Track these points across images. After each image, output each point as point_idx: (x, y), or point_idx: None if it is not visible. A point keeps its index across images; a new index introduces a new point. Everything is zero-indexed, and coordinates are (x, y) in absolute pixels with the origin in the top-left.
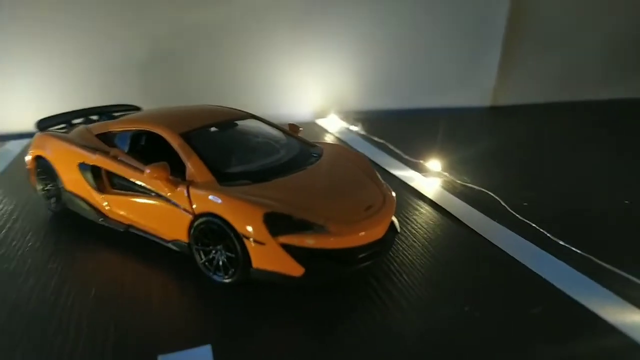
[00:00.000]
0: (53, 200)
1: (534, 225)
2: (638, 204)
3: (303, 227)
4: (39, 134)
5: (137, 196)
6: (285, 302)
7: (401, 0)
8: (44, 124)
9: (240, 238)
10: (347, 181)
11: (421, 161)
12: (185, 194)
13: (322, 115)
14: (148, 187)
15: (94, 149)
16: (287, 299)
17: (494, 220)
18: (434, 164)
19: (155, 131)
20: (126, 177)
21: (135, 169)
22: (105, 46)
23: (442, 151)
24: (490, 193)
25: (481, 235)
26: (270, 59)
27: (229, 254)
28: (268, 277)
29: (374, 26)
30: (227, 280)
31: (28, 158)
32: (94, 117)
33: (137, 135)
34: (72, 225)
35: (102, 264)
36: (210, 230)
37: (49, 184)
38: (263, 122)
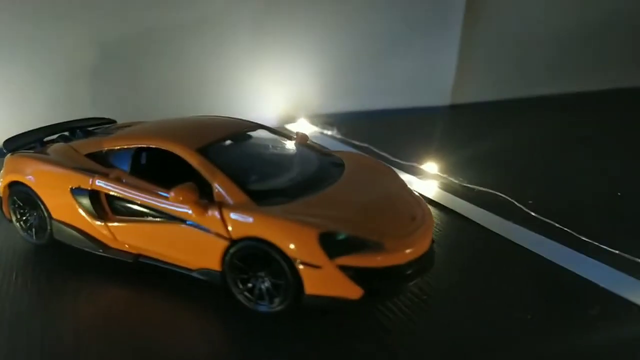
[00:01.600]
0: (34, 231)
1: (558, 225)
2: (629, 195)
3: (359, 245)
4: (9, 156)
5: (151, 222)
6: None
7: (359, 1)
8: (13, 144)
9: (290, 263)
10: (383, 192)
11: (415, 164)
12: (218, 218)
13: (290, 120)
14: (166, 211)
15: (90, 171)
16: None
17: (509, 220)
18: (430, 166)
19: (165, 148)
20: (136, 201)
21: (148, 191)
22: (49, 54)
23: (426, 152)
24: (498, 193)
25: (502, 236)
26: (231, 64)
27: (275, 280)
28: (322, 302)
29: (334, 29)
30: (275, 309)
31: (1, 186)
32: (65, 134)
33: (139, 153)
34: (61, 258)
35: (113, 301)
36: (252, 256)
37: (28, 213)
38: (271, 131)
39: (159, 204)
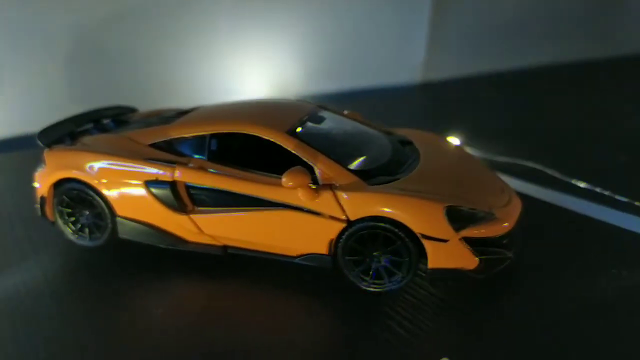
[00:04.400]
0: (87, 231)
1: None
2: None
3: (476, 217)
4: (51, 151)
5: (246, 211)
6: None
7: None
8: (49, 138)
9: (416, 239)
10: (466, 166)
11: None
12: (333, 200)
13: None
14: (267, 198)
15: (168, 162)
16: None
17: (548, 188)
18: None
19: (254, 132)
20: (228, 190)
21: (242, 179)
22: (22, 40)
23: (432, 127)
24: (526, 163)
25: (543, 201)
26: (210, 46)
27: (396, 258)
28: (442, 275)
29: (310, 9)
30: (395, 287)
31: (43, 184)
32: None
33: (212, 140)
34: (120, 259)
35: (209, 296)
36: (373, 236)
37: (80, 212)
38: (331, 111)
39: (257, 191)
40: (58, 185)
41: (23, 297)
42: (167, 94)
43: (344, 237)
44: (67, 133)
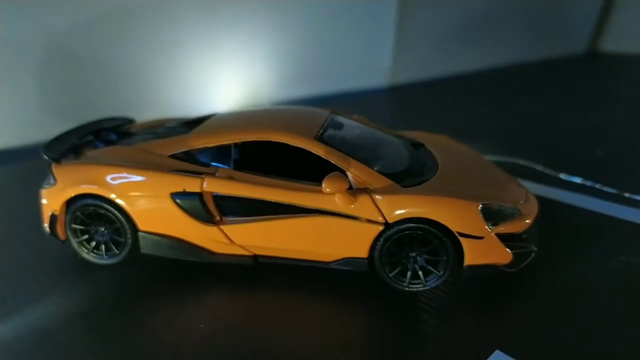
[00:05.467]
0: (103, 249)
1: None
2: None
3: (505, 213)
4: (59, 165)
5: (282, 218)
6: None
7: None
8: (56, 151)
9: (454, 237)
10: (480, 165)
11: None
12: (371, 204)
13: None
14: (302, 204)
15: (196, 173)
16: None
17: (537, 182)
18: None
19: (281, 140)
20: (262, 198)
21: (275, 186)
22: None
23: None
24: (513, 160)
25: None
26: (183, 56)
27: (433, 257)
28: (476, 272)
29: (281, 16)
30: (432, 285)
31: (53, 201)
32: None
33: (238, 148)
34: (145, 275)
35: (245, 307)
36: (411, 238)
37: (95, 229)
38: (344, 116)
39: (290, 198)
40: (70, 201)
41: (54, 327)
42: (142, 103)
43: (381, 239)
44: (72, 147)
